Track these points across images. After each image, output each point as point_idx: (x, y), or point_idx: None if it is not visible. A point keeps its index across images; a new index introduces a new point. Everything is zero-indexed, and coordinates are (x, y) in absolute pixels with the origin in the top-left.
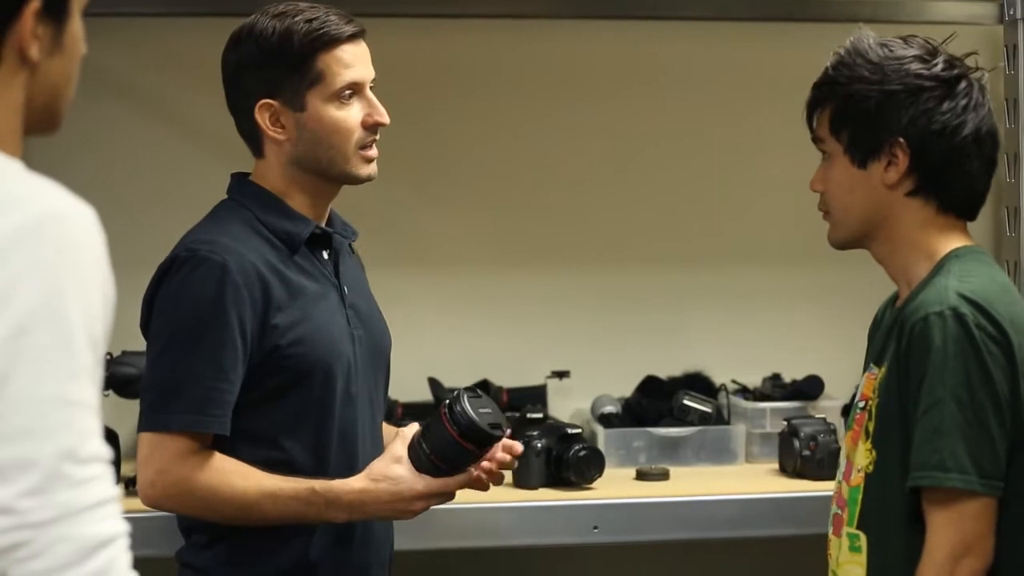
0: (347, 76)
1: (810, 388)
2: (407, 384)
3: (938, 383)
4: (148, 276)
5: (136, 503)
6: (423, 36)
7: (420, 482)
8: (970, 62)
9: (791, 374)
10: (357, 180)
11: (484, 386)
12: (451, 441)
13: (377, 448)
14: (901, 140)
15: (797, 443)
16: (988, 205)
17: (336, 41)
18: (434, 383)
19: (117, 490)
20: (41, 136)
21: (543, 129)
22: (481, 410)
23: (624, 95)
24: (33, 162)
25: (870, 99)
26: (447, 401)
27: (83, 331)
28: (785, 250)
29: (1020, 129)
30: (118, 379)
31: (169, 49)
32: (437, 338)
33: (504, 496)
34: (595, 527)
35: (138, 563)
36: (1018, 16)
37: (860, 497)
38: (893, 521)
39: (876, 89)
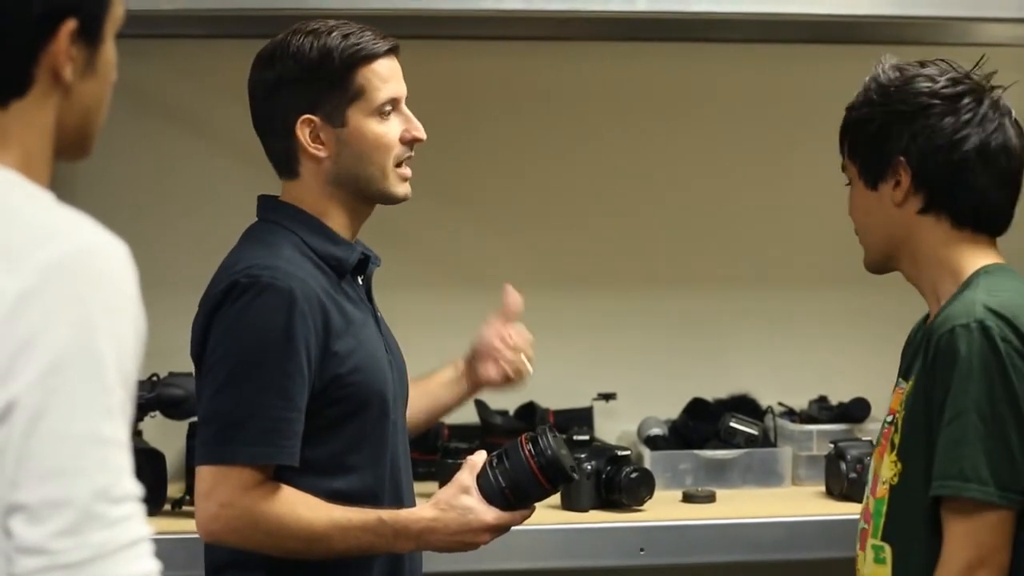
0: (387, 91)
1: (857, 410)
2: None
3: (962, 395)
4: (191, 295)
5: (166, 523)
6: (470, 57)
7: (490, 514)
8: (993, 81)
9: (838, 396)
10: (394, 199)
11: (530, 408)
12: (530, 475)
13: (410, 475)
14: (902, 159)
15: (844, 465)
16: None
17: (374, 56)
18: (480, 405)
19: (149, 529)
20: (71, 161)
21: (587, 151)
22: (562, 450)
23: (668, 118)
24: (76, 182)
25: (874, 121)
26: (528, 435)
27: (115, 368)
28: (832, 272)
29: None
30: (165, 400)
31: (212, 70)
32: None
33: (551, 518)
34: (642, 549)
35: None
36: None
37: (885, 509)
38: (916, 532)
39: (880, 111)
